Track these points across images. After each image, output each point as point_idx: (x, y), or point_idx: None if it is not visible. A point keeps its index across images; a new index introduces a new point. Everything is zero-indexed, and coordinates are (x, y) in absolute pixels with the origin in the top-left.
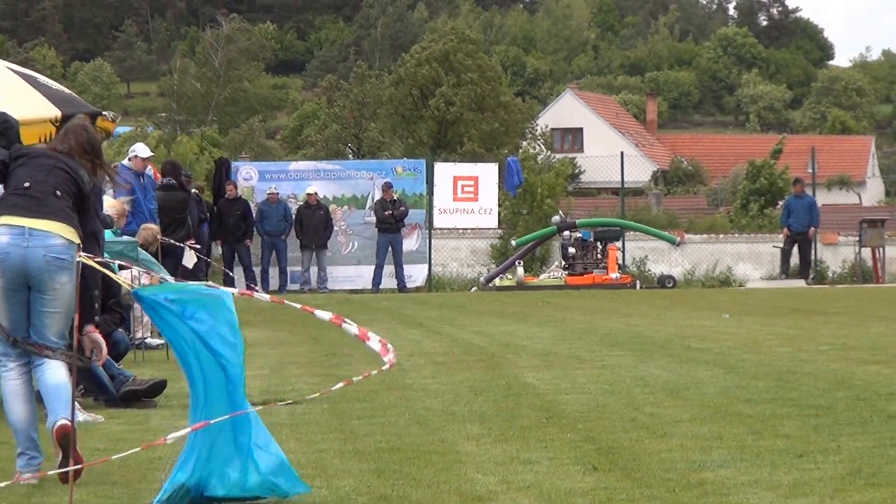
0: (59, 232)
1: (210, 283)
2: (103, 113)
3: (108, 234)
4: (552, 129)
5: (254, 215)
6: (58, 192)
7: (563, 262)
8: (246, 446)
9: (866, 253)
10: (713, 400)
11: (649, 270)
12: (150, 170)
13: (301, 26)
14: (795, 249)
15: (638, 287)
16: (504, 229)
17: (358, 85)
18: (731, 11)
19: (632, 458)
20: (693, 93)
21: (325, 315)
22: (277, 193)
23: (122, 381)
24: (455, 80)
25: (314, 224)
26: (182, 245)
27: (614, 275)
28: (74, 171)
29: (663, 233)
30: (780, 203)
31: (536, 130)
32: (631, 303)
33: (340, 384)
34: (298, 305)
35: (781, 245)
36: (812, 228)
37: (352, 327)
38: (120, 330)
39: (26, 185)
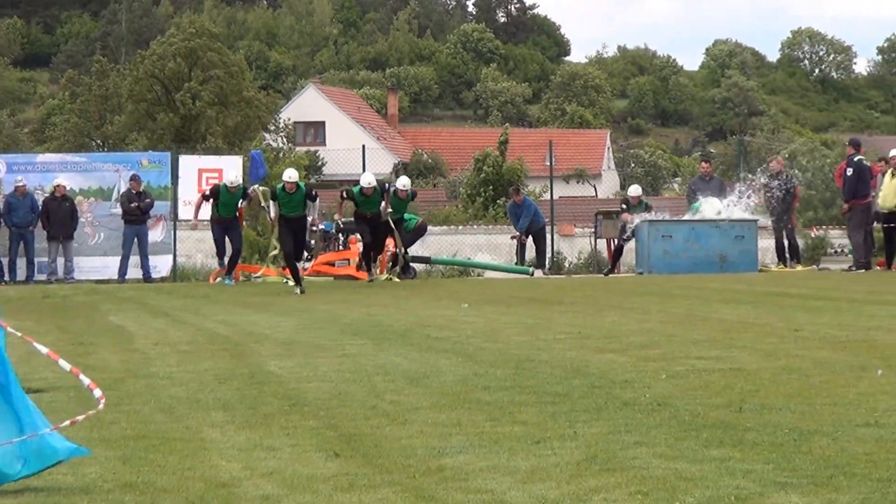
0: None
1: None
2: None
3: None
4: (295, 123)
5: (1, 207)
6: None
7: (307, 254)
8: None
9: (602, 244)
10: (452, 387)
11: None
12: None
13: (48, 21)
14: (531, 241)
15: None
16: (249, 222)
17: (99, 80)
18: (470, 8)
19: (373, 445)
20: (433, 88)
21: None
22: (25, 185)
23: None
24: (202, 75)
25: (61, 215)
26: None
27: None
28: None
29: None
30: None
31: (279, 124)
32: (372, 293)
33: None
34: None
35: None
36: (542, 227)
37: (66, 365)
38: None
39: None
